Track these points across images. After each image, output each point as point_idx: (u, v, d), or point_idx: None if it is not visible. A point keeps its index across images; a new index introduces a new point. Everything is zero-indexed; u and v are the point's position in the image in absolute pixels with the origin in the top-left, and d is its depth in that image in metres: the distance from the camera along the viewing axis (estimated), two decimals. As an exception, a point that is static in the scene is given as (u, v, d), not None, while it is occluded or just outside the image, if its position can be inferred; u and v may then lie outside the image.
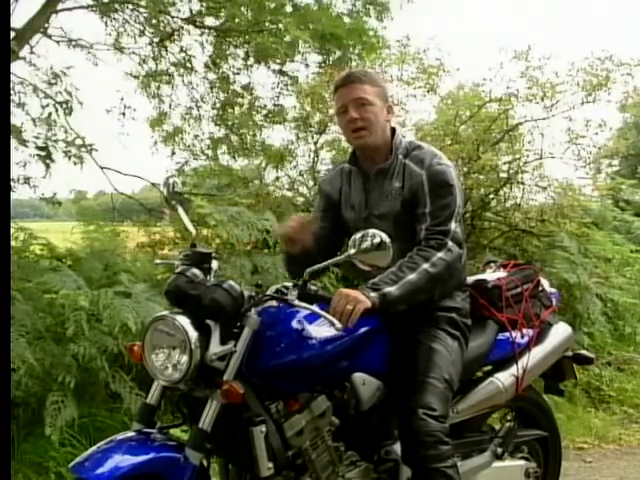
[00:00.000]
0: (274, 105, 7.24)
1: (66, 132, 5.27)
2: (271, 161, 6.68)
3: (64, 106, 5.04)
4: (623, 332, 5.69)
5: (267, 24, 6.67)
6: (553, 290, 2.76)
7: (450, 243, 2.07)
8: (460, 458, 2.25)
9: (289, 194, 6.54)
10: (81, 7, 6.50)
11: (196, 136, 7.61)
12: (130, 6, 6.56)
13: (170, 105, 7.63)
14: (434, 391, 2.02)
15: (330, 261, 1.87)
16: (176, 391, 1.96)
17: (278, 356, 1.88)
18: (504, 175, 6.18)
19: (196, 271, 1.92)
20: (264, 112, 7.20)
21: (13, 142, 4.65)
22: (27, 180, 5.11)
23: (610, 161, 11.59)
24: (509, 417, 2.64)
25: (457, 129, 5.98)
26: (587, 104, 6.02)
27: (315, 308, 1.84)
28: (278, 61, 7.02)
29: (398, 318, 2.08)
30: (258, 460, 1.82)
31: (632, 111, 9.49)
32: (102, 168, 5.97)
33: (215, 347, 1.80)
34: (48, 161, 4.77)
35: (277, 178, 6.79)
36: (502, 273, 2.54)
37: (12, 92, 4.97)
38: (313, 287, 1.89)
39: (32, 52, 5.88)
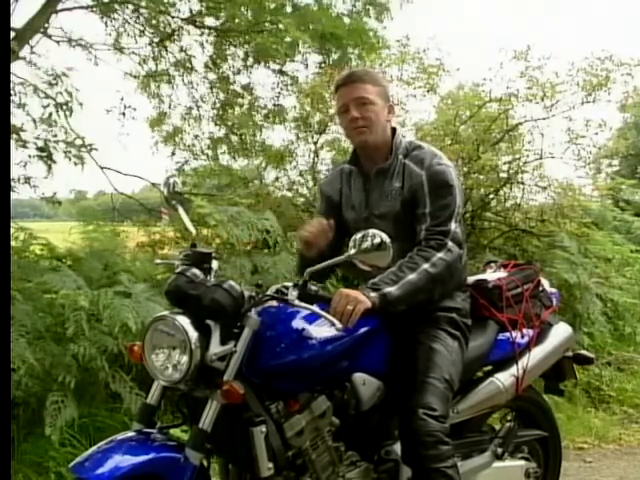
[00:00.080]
0: (274, 105, 7.24)
1: (66, 132, 5.27)
2: (271, 161, 6.67)
3: (64, 107, 5.04)
4: (623, 332, 5.69)
5: (267, 24, 6.68)
6: (553, 290, 2.76)
7: (450, 243, 2.07)
8: (460, 458, 2.25)
9: (289, 194, 6.55)
10: (81, 7, 6.50)
11: (196, 136, 7.63)
12: (130, 6, 6.56)
13: (170, 105, 7.65)
14: (434, 391, 2.02)
15: (330, 261, 1.87)
16: (176, 391, 1.96)
17: (278, 356, 1.88)
18: (504, 175, 6.18)
19: (196, 271, 1.92)
20: (264, 112, 7.20)
21: (13, 142, 4.65)
22: (27, 180, 5.10)
23: (610, 161, 11.59)
24: (509, 417, 2.64)
25: (457, 129, 5.98)
26: (587, 104, 6.02)
27: (315, 308, 1.84)
28: (278, 61, 7.02)
29: (398, 318, 2.08)
30: (258, 460, 1.82)
31: (632, 111, 9.49)
32: (102, 168, 5.97)
33: (215, 347, 1.80)
34: (49, 162, 4.77)
35: (277, 178, 6.80)
36: (502, 273, 2.54)
37: (12, 92, 4.97)
38: (313, 287, 1.89)
39: (32, 52, 5.90)
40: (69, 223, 5.07)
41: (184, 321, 1.80)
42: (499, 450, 2.46)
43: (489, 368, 2.42)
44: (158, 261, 3.57)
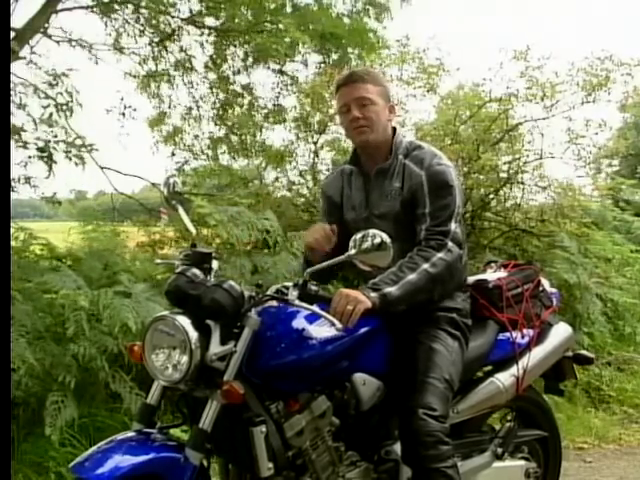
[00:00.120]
0: (274, 105, 7.25)
1: (66, 132, 5.27)
2: (271, 161, 6.67)
3: (65, 107, 5.04)
4: (623, 332, 5.69)
5: (267, 24, 6.68)
6: (553, 290, 2.76)
7: (450, 243, 2.08)
8: (460, 458, 2.25)
9: (289, 194, 6.55)
10: (81, 7, 6.50)
11: (196, 136, 7.63)
12: (130, 6, 6.56)
13: (170, 105, 7.65)
14: (434, 391, 2.02)
15: (330, 261, 1.87)
16: (176, 391, 1.96)
17: (278, 356, 1.88)
18: (504, 175, 6.18)
19: (196, 271, 1.92)
20: (264, 112, 7.21)
21: (14, 142, 4.65)
22: (28, 180, 5.10)
23: (610, 161, 11.58)
24: (509, 417, 2.64)
25: (457, 129, 5.99)
26: (587, 104, 6.03)
27: (315, 308, 1.84)
28: (278, 61, 7.03)
29: (398, 318, 2.08)
30: (258, 460, 1.82)
31: (632, 111, 9.50)
32: (102, 168, 5.97)
33: (215, 347, 1.80)
34: (49, 162, 4.77)
35: (277, 178, 6.80)
36: (502, 273, 2.54)
37: (13, 92, 4.97)
38: (313, 287, 1.89)
39: (32, 52, 5.89)
40: (69, 223, 5.08)
41: (184, 321, 1.80)
42: (499, 450, 2.46)
43: (489, 368, 2.42)
44: (158, 261, 3.57)
